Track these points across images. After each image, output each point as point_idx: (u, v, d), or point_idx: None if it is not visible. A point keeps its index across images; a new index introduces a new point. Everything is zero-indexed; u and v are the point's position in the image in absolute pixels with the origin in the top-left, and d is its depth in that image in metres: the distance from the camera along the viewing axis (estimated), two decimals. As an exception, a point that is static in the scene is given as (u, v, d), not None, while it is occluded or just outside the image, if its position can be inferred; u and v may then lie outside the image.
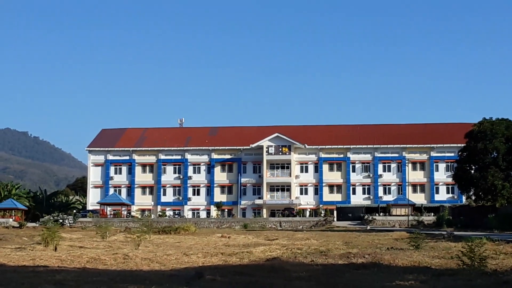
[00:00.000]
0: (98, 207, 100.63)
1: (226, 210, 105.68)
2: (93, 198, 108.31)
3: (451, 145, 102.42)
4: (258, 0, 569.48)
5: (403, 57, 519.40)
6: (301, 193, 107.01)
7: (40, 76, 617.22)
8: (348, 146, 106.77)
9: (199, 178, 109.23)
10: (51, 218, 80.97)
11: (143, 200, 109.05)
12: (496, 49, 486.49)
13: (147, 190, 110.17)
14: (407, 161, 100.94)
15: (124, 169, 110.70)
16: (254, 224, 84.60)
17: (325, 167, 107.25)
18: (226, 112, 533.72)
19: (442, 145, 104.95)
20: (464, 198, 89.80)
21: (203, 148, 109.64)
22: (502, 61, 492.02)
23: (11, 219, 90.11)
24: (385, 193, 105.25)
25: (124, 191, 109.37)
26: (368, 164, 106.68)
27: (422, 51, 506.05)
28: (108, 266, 23.65)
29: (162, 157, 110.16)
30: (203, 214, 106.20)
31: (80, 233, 57.02)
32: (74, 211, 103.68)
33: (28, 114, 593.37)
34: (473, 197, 73.33)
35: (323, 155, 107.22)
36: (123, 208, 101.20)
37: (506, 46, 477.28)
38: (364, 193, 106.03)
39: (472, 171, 70.28)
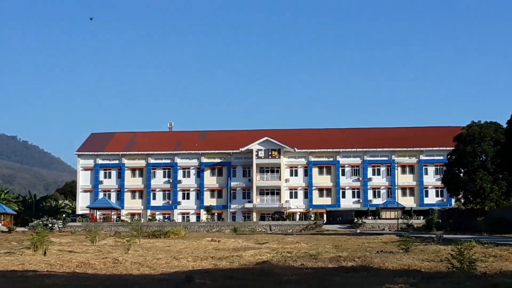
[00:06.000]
0: (87, 212, 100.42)
1: (216, 214, 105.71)
2: (82, 203, 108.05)
3: (440, 148, 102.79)
4: (248, 3, 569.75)
5: (392, 60, 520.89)
6: (291, 197, 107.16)
7: (29, 80, 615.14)
8: (338, 150, 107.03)
9: (189, 182, 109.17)
10: (41, 222, 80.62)
11: (132, 204, 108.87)
12: (484, 52, 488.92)
13: (137, 194, 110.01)
14: (396, 165, 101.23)
15: (114, 173, 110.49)
16: (244, 228, 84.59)
17: (315, 170, 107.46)
18: (215, 116, 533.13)
19: (431, 148, 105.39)
20: (453, 201, 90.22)
21: (193, 152, 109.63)
22: (490, 65, 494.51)
23: (0, 224, 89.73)
24: (374, 196, 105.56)
25: (113, 195, 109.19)
26: (357, 168, 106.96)
27: (411, 55, 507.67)
28: (97, 270, 23.56)
29: (151, 161, 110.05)
30: (193, 218, 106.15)
31: (70, 238, 56.83)
32: (64, 215, 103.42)
33: (17, 118, 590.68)
34: (462, 200, 73.63)
35: (312, 159, 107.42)
36: (112, 213, 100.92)
37: (495, 50, 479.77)
38: (353, 196, 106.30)
39: (461, 174, 70.58)
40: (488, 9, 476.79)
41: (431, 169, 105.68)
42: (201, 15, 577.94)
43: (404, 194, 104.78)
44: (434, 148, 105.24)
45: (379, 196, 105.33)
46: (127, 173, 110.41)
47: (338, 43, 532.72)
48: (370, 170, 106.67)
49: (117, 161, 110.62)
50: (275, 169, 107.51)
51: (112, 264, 25.54)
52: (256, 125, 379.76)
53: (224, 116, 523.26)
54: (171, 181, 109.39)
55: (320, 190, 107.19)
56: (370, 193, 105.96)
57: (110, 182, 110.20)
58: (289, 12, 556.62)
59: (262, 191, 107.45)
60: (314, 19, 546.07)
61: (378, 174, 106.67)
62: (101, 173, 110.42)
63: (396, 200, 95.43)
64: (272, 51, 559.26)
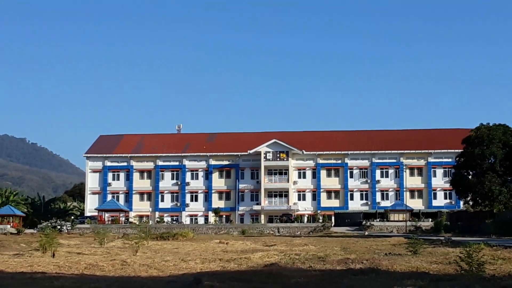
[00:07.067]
0: (96, 214, 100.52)
1: (224, 216, 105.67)
2: (91, 205, 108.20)
3: (449, 150, 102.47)
4: (256, 5, 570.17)
5: (401, 62, 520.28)
6: (299, 199, 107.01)
7: (38, 82, 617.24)
8: (346, 152, 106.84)
9: (197, 184, 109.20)
10: (49, 224, 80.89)
11: (141, 206, 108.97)
12: (493, 54, 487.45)
13: (145, 196, 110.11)
14: (404, 167, 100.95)
15: (122, 175, 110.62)
16: (252, 230, 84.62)
17: (323, 173, 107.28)
18: (224, 118, 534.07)
19: (439, 150, 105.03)
20: (461, 203, 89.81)
21: (201, 154, 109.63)
22: (499, 66, 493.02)
23: (9, 226, 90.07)
24: (382, 198, 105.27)
25: (122, 197, 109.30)
26: (365, 170, 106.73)
27: (420, 56, 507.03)
28: (106, 272, 23.64)
29: (160, 163, 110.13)
30: (201, 220, 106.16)
31: (78, 240, 57.03)
32: (72, 217, 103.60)
33: (26, 120, 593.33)
34: (471, 203, 73.27)
35: (320, 161, 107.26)
36: (121, 214, 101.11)
37: (504, 51, 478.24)
38: (362, 198, 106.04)
39: (470, 177, 70.24)
40: (500, 11, 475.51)
41: (439, 171, 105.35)
42: (209, 17, 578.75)
43: (412, 196, 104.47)
44: (442, 150, 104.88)
45: (387, 198, 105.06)
46: (136, 175, 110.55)
47: (347, 44, 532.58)
48: (378, 172, 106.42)
49: (125, 163, 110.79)
50: (283, 171, 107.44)
51: (121, 266, 25.62)
52: (265, 127, 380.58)
53: (233, 118, 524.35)
54: (179, 183, 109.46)
55: (328, 192, 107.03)
56: (378, 195, 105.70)
57: (118, 184, 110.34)
58: (300, 14, 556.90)
59: (270, 193, 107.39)
60: (324, 20, 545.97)
61: (387, 176, 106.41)
62: (110, 175, 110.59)
63: (405, 202, 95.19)
64: (280, 53, 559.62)
